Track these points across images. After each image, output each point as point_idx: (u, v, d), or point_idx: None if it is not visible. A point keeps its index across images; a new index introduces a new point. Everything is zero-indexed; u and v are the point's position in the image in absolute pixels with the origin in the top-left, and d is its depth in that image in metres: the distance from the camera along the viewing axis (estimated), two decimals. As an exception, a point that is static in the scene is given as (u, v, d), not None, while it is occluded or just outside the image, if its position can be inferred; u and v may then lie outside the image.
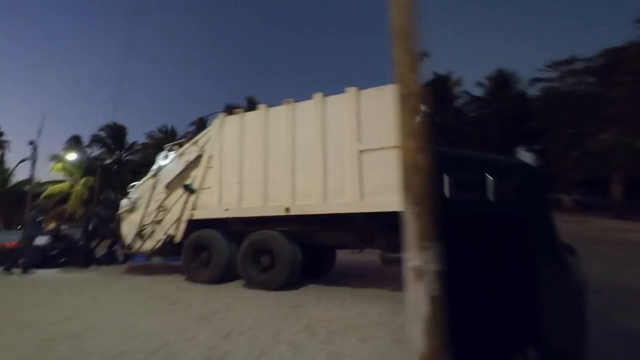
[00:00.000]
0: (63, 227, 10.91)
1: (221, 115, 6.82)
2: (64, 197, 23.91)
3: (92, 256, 9.03)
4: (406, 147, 1.69)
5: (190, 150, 7.02)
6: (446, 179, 1.44)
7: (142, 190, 7.40)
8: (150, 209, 7.13)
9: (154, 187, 7.21)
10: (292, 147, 5.92)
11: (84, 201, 23.07)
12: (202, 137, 7.00)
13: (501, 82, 24.49)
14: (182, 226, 6.68)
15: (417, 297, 1.63)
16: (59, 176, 25.19)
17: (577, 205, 18.75)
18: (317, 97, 5.89)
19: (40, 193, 23.14)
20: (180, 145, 7.34)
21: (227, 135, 6.65)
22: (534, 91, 22.28)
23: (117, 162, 27.91)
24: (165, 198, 7.01)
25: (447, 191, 1.43)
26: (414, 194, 1.67)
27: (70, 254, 8.77)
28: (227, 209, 6.31)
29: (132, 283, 6.47)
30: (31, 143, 14.05)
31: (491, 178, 1.44)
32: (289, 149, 5.94)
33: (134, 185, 7.63)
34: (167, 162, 7.25)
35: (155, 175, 7.29)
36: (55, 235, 9.27)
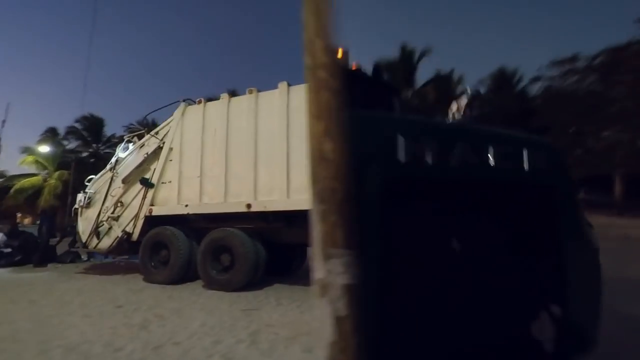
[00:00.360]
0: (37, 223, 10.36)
1: (182, 105, 6.39)
2: (37, 192, 22.97)
3: (50, 254, 8.51)
4: (313, 131, 1.38)
5: (150, 142, 6.59)
6: (490, 151, 1.48)
7: (99, 185, 6.95)
8: (108, 204, 6.70)
9: (111, 181, 6.77)
10: (255, 139, 5.57)
11: (58, 196, 22.18)
12: (162, 127, 6.57)
13: (503, 80, 24.32)
14: (140, 223, 6.27)
15: (322, 316, 1.33)
16: (31, 169, 24.20)
17: (581, 202, 18.79)
18: (282, 86, 5.54)
19: (10, 187, 22.19)
20: (140, 136, 6.90)
21: (188, 126, 6.25)
22: (535, 89, 22.22)
23: (93, 155, 26.95)
24: (123, 193, 6.58)
25: (492, 161, 1.48)
26: (319, 189, 1.35)
27: (26, 252, 8.24)
28: (186, 205, 5.93)
29: (84, 284, 6.04)
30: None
31: (525, 150, 1.54)
32: (251, 141, 5.59)
33: (91, 178, 7.17)
34: (126, 154, 6.81)
35: (113, 168, 6.84)
36: (11, 232, 8.72)
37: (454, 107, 5.46)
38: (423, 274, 1.44)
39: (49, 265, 8.19)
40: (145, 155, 6.47)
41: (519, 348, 1.57)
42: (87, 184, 7.12)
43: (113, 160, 6.93)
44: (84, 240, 6.83)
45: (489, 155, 1.48)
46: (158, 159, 6.36)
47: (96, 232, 6.65)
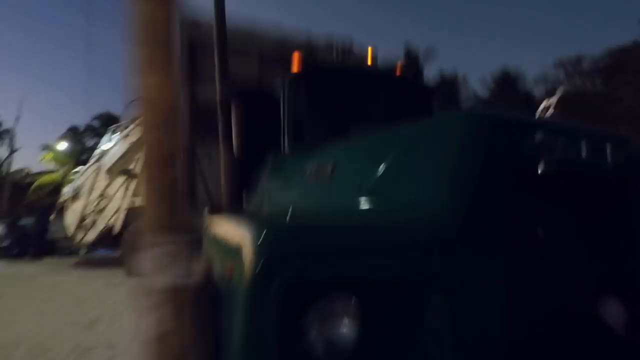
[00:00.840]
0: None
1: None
2: (57, 187, 23.64)
3: (47, 247, 8.49)
4: (138, 63, 0.96)
5: (135, 131, 6.33)
6: (584, 145, 1.57)
7: (86, 177, 6.77)
8: (93, 196, 6.50)
9: (97, 173, 6.57)
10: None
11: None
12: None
13: (506, 82, 23.45)
14: (122, 215, 6.02)
15: (142, 330, 0.92)
16: (51, 166, 24.95)
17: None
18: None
19: (32, 183, 22.92)
20: (126, 126, 6.66)
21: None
22: (540, 91, 21.43)
23: (111, 152, 27.50)
24: (107, 185, 6.36)
25: (584, 154, 1.56)
26: (144, 143, 0.94)
27: (24, 245, 8.25)
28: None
29: (65, 278, 5.87)
30: (7, 131, 13.57)
31: (609, 145, 1.65)
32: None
33: (77, 171, 7.02)
34: (111, 145, 6.59)
35: (98, 160, 6.65)
36: (11, 225, 8.78)
37: (544, 104, 5.04)
38: (537, 256, 1.52)
39: (47, 258, 8.16)
40: (129, 145, 6.21)
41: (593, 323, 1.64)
42: (72, 177, 6.97)
43: (98, 151, 6.74)
44: (70, 234, 6.68)
45: (583, 149, 1.58)
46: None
47: (82, 225, 6.47)
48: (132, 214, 5.97)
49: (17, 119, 14.75)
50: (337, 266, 1.03)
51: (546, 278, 1.52)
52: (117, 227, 6.03)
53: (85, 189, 6.65)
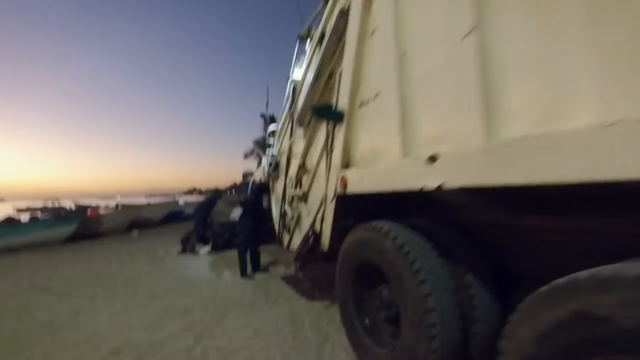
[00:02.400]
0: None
1: None
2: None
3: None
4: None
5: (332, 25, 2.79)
6: None
7: (282, 136, 4.03)
8: (291, 171, 3.65)
9: (291, 126, 3.63)
10: None
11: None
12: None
13: None
14: (330, 211, 2.69)
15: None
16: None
17: None
18: None
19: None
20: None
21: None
22: None
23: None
24: (306, 148, 3.26)
25: None
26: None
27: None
28: (433, 159, 1.68)
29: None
30: (262, 116, 13.74)
31: None
32: None
33: (272, 131, 4.39)
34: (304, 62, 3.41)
35: (292, 100, 3.66)
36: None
37: None
38: None
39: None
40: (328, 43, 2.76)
41: None
42: (269, 136, 4.41)
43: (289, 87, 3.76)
44: (277, 233, 4.18)
45: None
46: (344, 54, 2.47)
47: (284, 222, 3.78)
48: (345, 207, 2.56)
49: (267, 104, 15.30)
50: None
51: None
52: (325, 238, 2.78)
53: (283, 159, 3.91)
